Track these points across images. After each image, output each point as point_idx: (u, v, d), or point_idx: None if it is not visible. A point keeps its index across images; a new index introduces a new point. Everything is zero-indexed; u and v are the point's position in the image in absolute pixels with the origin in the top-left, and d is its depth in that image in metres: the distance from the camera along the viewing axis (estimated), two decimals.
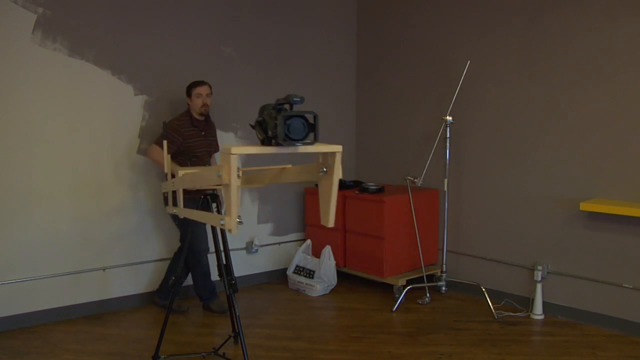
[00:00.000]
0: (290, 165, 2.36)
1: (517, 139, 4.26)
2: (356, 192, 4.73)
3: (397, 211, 4.52)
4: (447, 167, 4.36)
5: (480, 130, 4.49)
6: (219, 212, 3.18)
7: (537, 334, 3.80)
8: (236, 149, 1.83)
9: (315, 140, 1.84)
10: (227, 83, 4.65)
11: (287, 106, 1.86)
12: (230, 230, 1.97)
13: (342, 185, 4.99)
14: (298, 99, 1.82)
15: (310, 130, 1.83)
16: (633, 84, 3.66)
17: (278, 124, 1.78)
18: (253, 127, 1.96)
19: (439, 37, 4.75)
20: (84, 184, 4.04)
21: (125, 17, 4.11)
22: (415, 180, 4.35)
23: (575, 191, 3.96)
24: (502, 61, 4.32)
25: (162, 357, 3.13)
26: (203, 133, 4.09)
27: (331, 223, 1.98)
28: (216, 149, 4.27)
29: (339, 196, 4.78)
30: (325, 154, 1.92)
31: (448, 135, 4.28)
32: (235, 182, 1.88)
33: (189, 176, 2.85)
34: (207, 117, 4.15)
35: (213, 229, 3.10)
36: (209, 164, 4.15)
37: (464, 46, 4.56)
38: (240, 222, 2.08)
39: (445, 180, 4.37)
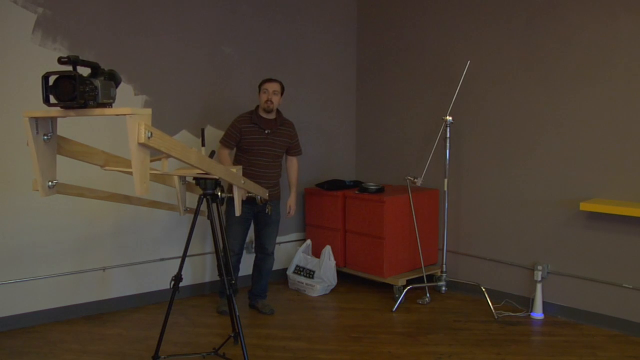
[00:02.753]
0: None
1: (517, 139, 4.26)
2: (356, 192, 4.73)
3: (397, 211, 4.52)
4: (447, 167, 4.36)
5: (480, 130, 4.49)
6: (218, 212, 3.18)
7: (537, 334, 3.80)
8: (28, 113, 1.83)
9: (79, 101, 1.76)
10: (227, 83, 4.65)
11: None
12: (39, 194, 1.96)
13: (342, 185, 4.99)
14: (64, 59, 1.77)
15: (93, 91, 1.78)
16: (633, 84, 3.66)
17: (42, 86, 1.74)
18: None
19: (439, 37, 4.76)
20: (84, 184, 4.03)
21: (125, 17, 4.11)
22: (415, 180, 4.35)
23: (575, 191, 3.95)
24: (502, 61, 4.32)
25: (162, 357, 3.12)
26: (267, 132, 4.02)
27: (138, 192, 1.90)
28: (292, 152, 4.23)
29: (339, 196, 4.79)
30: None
31: (448, 135, 4.28)
32: (33, 145, 1.88)
33: None
34: (279, 117, 4.11)
35: (213, 230, 3.10)
36: (270, 165, 4.08)
37: (464, 46, 4.56)
38: (52, 186, 2.05)
39: (445, 180, 4.37)
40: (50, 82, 1.80)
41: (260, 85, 4.06)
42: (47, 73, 1.76)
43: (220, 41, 4.59)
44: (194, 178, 3.10)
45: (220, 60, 4.60)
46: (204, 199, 3.09)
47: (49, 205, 3.89)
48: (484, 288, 4.24)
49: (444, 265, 4.47)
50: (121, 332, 3.80)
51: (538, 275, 4.07)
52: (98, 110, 1.84)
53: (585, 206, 3.72)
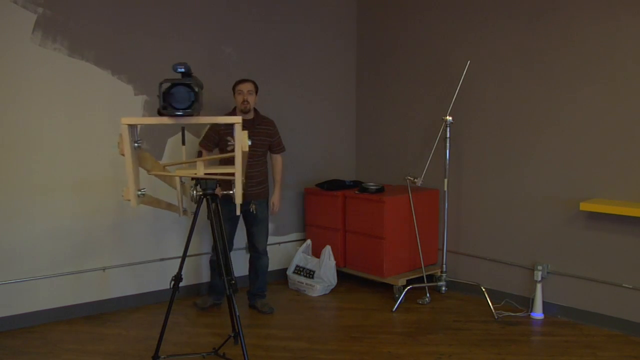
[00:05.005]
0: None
1: (517, 139, 4.26)
2: (356, 192, 4.72)
3: (397, 211, 4.52)
4: (447, 167, 4.36)
5: (480, 130, 4.49)
6: (218, 212, 3.17)
7: (537, 334, 3.80)
8: (127, 120, 1.82)
9: (197, 109, 1.78)
10: (227, 83, 4.64)
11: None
12: (131, 203, 1.96)
13: (342, 185, 4.99)
14: (181, 67, 1.77)
15: (197, 100, 1.79)
16: (633, 84, 3.66)
17: (160, 93, 1.74)
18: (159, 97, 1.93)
19: (439, 37, 4.75)
20: (84, 184, 4.04)
21: (125, 17, 4.11)
22: (415, 180, 4.35)
23: (575, 191, 3.95)
24: (502, 61, 4.32)
25: (162, 357, 3.12)
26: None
27: (238, 199, 1.93)
28: (275, 149, 4.23)
29: (339, 196, 4.79)
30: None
31: (448, 135, 4.28)
32: (129, 153, 1.87)
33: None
34: (257, 116, 4.12)
35: (213, 229, 3.10)
36: (251, 165, 4.07)
37: (464, 46, 4.56)
38: (141, 195, 2.05)
39: (445, 180, 4.37)
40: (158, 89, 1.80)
41: (234, 87, 4.07)
42: (164, 81, 1.75)
43: (220, 41, 4.59)
44: (193, 178, 3.10)
45: (220, 60, 4.60)
46: (204, 199, 3.09)
47: (49, 206, 3.89)
48: (484, 288, 4.24)
49: (444, 265, 4.47)
50: (121, 332, 3.80)
51: (538, 275, 4.07)
52: (208, 118, 1.86)
53: (585, 206, 3.72)
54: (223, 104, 4.60)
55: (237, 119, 1.81)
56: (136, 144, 1.94)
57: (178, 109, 1.75)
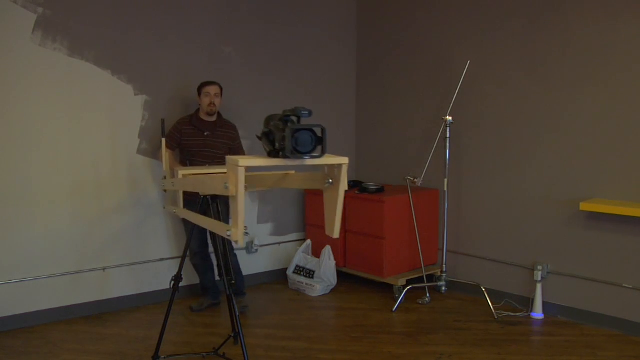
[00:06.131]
0: (293, 172, 2.35)
1: (517, 139, 4.26)
2: (356, 192, 4.72)
3: (397, 211, 4.52)
4: (447, 167, 4.35)
5: (480, 130, 4.49)
6: (218, 212, 3.17)
7: (537, 334, 3.80)
8: (244, 161, 1.85)
9: (323, 154, 1.85)
10: (227, 83, 4.63)
11: (294, 118, 1.88)
12: (237, 242, 1.98)
13: None
14: (306, 112, 1.85)
15: (318, 143, 1.85)
16: (633, 84, 3.66)
17: (286, 137, 1.80)
18: (260, 138, 1.97)
19: (439, 37, 4.76)
20: (84, 184, 4.04)
21: (125, 17, 4.11)
22: (415, 180, 4.35)
23: (575, 191, 3.95)
24: (502, 61, 4.32)
25: (162, 357, 3.13)
26: (206, 134, 4.05)
27: (336, 234, 1.96)
28: (234, 153, 4.22)
29: None
30: (331, 166, 1.93)
31: (448, 135, 4.28)
32: (242, 194, 1.89)
33: (193, 180, 2.85)
34: (220, 118, 4.15)
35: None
36: (208, 165, 4.10)
37: (464, 46, 4.56)
38: (246, 233, 2.08)
39: (445, 180, 4.37)
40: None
41: (200, 89, 4.08)
42: (295, 126, 1.81)
43: (220, 41, 4.59)
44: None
45: (220, 60, 4.60)
46: (204, 199, 3.09)
47: (49, 206, 3.89)
48: (484, 288, 4.24)
49: (444, 265, 4.47)
50: (121, 332, 3.80)
51: (538, 275, 4.07)
52: (317, 160, 1.89)
53: (585, 206, 3.72)
54: (223, 103, 4.60)
55: (343, 160, 1.86)
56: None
57: (304, 153, 1.82)
